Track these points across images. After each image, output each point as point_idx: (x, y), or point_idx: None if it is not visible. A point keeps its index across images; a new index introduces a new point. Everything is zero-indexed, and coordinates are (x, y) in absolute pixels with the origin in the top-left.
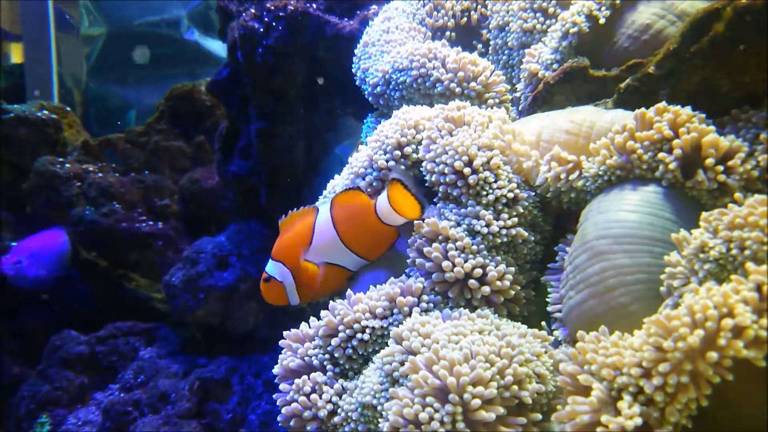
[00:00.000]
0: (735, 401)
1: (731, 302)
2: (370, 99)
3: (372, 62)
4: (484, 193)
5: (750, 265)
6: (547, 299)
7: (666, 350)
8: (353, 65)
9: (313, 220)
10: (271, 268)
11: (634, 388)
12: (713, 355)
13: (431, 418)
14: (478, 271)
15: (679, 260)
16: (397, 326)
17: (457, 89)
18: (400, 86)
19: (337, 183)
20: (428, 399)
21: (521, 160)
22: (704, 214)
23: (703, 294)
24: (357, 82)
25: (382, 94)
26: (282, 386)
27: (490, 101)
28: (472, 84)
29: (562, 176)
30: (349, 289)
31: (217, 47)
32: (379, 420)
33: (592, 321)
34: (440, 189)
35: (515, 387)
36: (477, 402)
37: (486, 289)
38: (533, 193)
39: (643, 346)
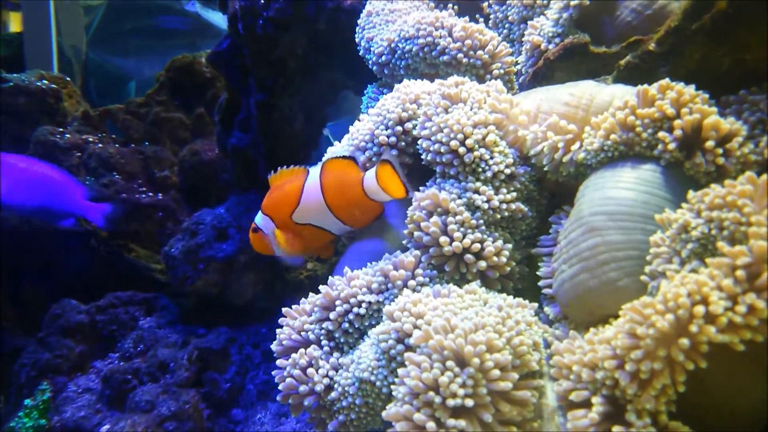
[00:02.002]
0: (718, 384)
1: (705, 290)
2: (374, 68)
3: (377, 32)
4: (480, 170)
5: (722, 245)
6: (538, 273)
7: (640, 337)
8: (357, 35)
9: (303, 182)
10: (260, 219)
11: (610, 381)
12: (685, 342)
13: (451, 382)
14: (477, 246)
15: (664, 239)
16: (392, 301)
17: (464, 59)
18: (406, 55)
19: (336, 150)
20: (448, 363)
21: (517, 128)
22: (689, 195)
23: (678, 281)
24: (361, 52)
25: (387, 63)
26: (279, 362)
27: (496, 71)
28: (479, 53)
29: (560, 145)
30: (345, 266)
31: (218, 19)
32: (377, 393)
33: (582, 294)
34: (437, 168)
35: (528, 357)
36: (497, 372)
37: (482, 264)
38: (529, 168)
39: (618, 334)
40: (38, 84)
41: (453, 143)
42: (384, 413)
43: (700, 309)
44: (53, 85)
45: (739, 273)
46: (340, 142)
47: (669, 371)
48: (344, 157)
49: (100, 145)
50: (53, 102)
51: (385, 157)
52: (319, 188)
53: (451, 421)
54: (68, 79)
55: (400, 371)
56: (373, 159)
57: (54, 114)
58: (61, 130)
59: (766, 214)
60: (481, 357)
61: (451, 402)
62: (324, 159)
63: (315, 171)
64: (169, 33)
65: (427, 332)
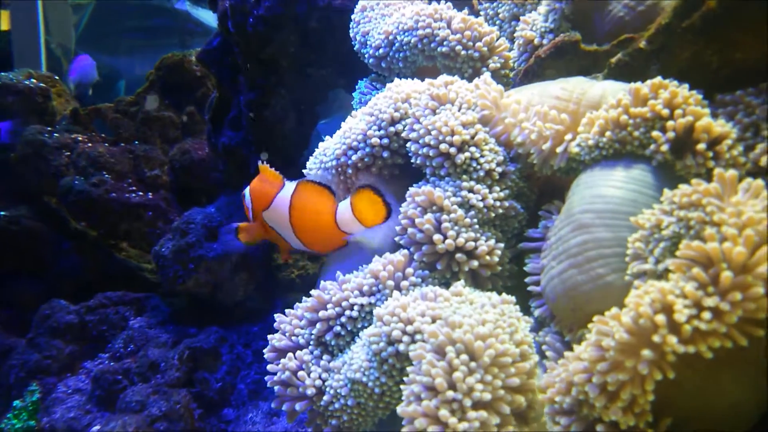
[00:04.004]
0: (697, 388)
1: (670, 299)
2: (370, 62)
3: (373, 25)
4: (472, 169)
5: (682, 248)
6: (525, 269)
7: (605, 349)
8: (351, 30)
9: (276, 192)
10: (246, 192)
11: (582, 396)
12: (647, 353)
13: (466, 376)
14: (471, 245)
15: (640, 238)
16: (383, 302)
17: (463, 51)
18: (405, 47)
19: (328, 146)
20: (462, 357)
21: (506, 116)
22: (664, 194)
23: (642, 290)
24: (356, 47)
25: (385, 56)
26: (270, 367)
27: (493, 65)
28: (478, 44)
29: (547, 133)
30: (338, 271)
31: (208, 17)
32: (369, 394)
33: (571, 289)
34: (427, 171)
35: (527, 349)
36: (512, 368)
37: (474, 263)
38: (519, 165)
39: (588, 347)
40: (26, 83)
41: (443, 146)
42: (399, 409)
43: (661, 318)
44: (42, 84)
45: (698, 274)
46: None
47: (638, 382)
48: (321, 184)
49: (90, 144)
50: (42, 101)
51: (362, 182)
52: (287, 205)
53: (472, 414)
54: (57, 77)
55: (409, 369)
56: (366, 159)
57: (43, 113)
58: (49, 129)
59: (729, 212)
60: (494, 348)
61: (468, 400)
62: (302, 179)
63: (290, 187)
64: (159, 31)
65: (433, 332)
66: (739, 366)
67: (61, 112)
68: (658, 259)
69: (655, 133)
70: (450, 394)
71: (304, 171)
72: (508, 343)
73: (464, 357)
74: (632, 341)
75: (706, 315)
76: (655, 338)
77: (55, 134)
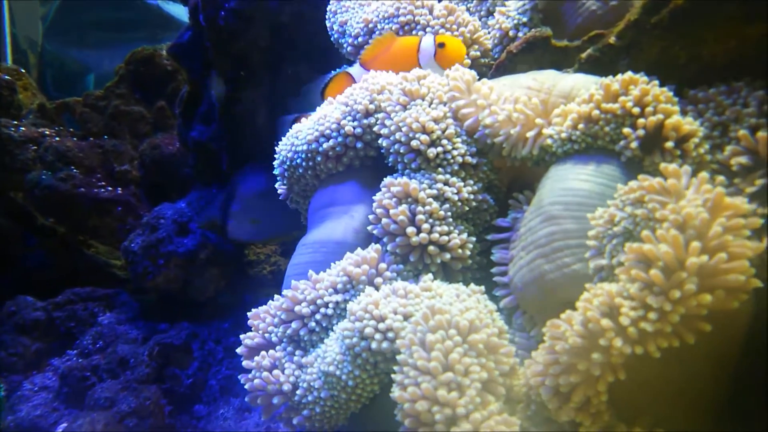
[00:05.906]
0: (655, 385)
1: (617, 301)
2: (348, 50)
3: (351, 15)
4: (446, 163)
5: (627, 249)
6: (492, 259)
7: (558, 352)
8: (328, 20)
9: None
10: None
11: (538, 398)
12: (596, 356)
13: (461, 357)
14: (444, 238)
15: (597, 234)
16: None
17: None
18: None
19: (301, 129)
20: (455, 339)
21: (475, 98)
22: (618, 189)
23: (591, 293)
24: (333, 38)
25: (364, 44)
26: (245, 363)
27: (473, 53)
28: (462, 29)
29: (515, 116)
30: (310, 270)
31: (179, 11)
32: (342, 386)
33: (538, 278)
34: (399, 166)
35: (507, 336)
36: (501, 349)
37: (446, 255)
38: (488, 155)
39: (543, 351)
40: None
41: (414, 143)
42: (395, 394)
43: (607, 322)
44: (7, 77)
45: (638, 275)
46: None
47: (591, 383)
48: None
49: (57, 139)
50: (7, 94)
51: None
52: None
53: (471, 391)
54: (23, 71)
55: (399, 357)
56: (337, 149)
57: (8, 106)
58: (15, 122)
59: (670, 208)
60: (484, 332)
61: (466, 380)
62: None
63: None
64: (129, 24)
65: (426, 315)
66: (691, 362)
67: (27, 105)
68: (612, 255)
69: (625, 130)
70: (449, 375)
71: (275, 162)
72: (492, 327)
73: (458, 339)
74: (585, 344)
75: (653, 315)
76: (602, 342)
77: (22, 128)
